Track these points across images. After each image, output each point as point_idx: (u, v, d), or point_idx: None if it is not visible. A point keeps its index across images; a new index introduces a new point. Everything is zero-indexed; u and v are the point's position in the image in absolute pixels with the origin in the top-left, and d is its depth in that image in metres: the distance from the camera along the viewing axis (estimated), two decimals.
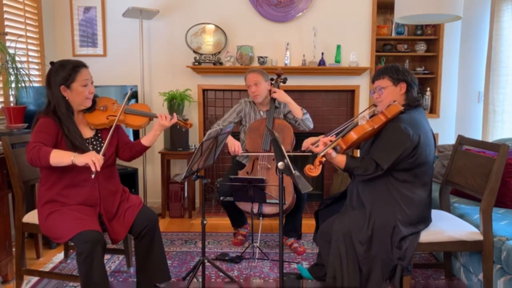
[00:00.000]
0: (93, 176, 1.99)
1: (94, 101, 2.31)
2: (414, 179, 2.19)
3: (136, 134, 3.94)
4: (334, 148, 2.17)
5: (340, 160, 2.18)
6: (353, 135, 2.12)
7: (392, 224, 2.12)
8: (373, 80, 2.33)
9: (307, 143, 2.43)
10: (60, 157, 2.01)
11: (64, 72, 2.17)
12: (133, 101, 3.95)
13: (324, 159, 2.10)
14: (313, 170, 2.06)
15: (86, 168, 2.05)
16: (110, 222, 2.27)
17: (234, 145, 3.05)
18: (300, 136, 3.67)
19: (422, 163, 2.18)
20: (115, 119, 2.26)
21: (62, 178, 2.18)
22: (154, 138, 2.42)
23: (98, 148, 2.28)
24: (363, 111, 2.33)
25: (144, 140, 2.42)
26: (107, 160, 2.29)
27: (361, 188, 2.27)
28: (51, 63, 2.24)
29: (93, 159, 1.96)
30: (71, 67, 2.18)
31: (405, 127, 2.10)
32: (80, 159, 1.99)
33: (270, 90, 3.18)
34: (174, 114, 2.45)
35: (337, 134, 2.27)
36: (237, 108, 3.30)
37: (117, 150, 2.41)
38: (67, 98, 2.19)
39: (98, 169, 1.96)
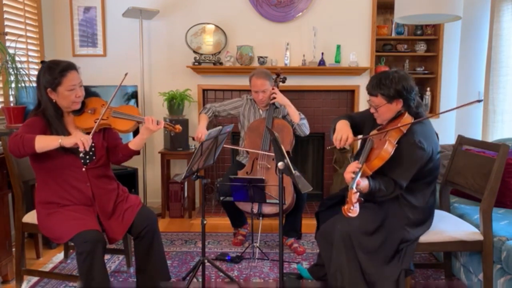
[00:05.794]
0: (81, 154, 2.08)
1: (83, 103, 2.26)
2: (423, 187, 2.17)
3: (134, 136, 3.91)
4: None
5: (365, 186, 2.04)
6: (378, 163, 2.01)
7: (399, 237, 2.12)
8: (368, 92, 2.20)
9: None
10: (46, 141, 2.01)
11: (51, 75, 2.12)
12: (132, 101, 3.95)
13: (358, 193, 1.88)
14: (353, 210, 1.84)
15: (76, 167, 2.17)
16: (107, 221, 2.26)
17: (200, 132, 2.99)
18: (298, 138, 3.65)
19: (433, 169, 2.17)
20: (102, 123, 2.22)
21: (55, 179, 2.18)
22: (141, 142, 2.36)
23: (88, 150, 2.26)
24: (366, 137, 2.22)
25: (132, 144, 2.36)
26: (98, 161, 2.28)
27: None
28: (42, 62, 2.21)
29: (81, 139, 1.98)
30: (59, 70, 2.12)
31: (420, 141, 2.04)
32: (68, 140, 2.01)
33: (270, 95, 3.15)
34: (162, 120, 2.37)
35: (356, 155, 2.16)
36: (237, 103, 3.32)
37: (107, 152, 2.37)
38: (54, 100, 2.16)
39: (87, 148, 1.99)
